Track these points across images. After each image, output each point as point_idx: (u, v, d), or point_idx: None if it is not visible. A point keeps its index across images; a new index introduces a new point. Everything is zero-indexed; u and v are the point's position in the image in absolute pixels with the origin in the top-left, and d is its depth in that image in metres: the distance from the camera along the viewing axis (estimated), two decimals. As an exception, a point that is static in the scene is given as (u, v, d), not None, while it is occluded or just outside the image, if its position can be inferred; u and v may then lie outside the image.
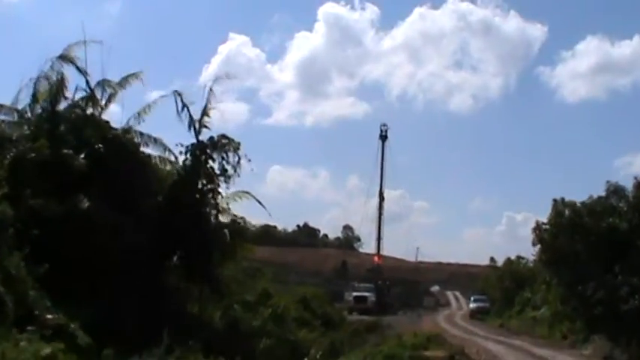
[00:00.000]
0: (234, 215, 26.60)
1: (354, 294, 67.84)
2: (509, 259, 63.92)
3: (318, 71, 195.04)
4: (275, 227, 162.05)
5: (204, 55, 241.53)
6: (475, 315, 62.83)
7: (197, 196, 24.52)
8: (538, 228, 34.86)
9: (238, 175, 25.30)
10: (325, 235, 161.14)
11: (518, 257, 63.10)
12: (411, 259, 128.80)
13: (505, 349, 30.92)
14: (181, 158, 25.04)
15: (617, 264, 31.36)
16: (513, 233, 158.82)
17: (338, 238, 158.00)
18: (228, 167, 24.99)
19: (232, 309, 29.66)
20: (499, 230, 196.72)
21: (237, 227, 26.47)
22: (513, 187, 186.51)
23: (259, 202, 28.73)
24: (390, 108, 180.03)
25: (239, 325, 27.56)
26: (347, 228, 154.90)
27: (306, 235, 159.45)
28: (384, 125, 79.11)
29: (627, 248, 31.47)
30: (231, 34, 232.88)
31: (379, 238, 77.79)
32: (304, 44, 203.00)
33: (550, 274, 37.43)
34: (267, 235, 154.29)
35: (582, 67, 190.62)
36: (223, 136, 24.83)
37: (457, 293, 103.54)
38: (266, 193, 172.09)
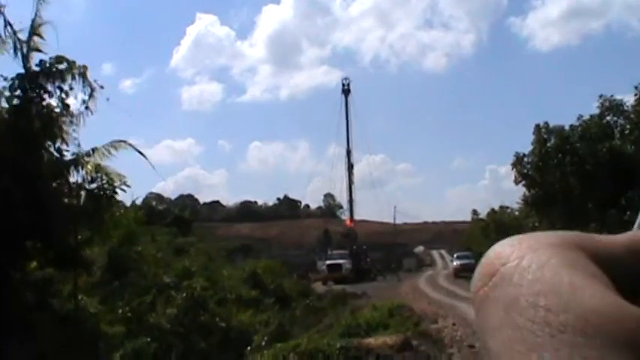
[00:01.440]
0: (103, 174, 18.77)
1: (327, 262, 60.54)
2: (492, 210, 56.62)
3: (289, 43, 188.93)
4: (255, 202, 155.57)
5: (173, 38, 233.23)
6: (459, 273, 55.55)
7: (35, 149, 16.63)
8: (519, 161, 27.33)
9: (91, 113, 17.56)
10: (307, 206, 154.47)
11: (502, 207, 55.96)
12: (397, 222, 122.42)
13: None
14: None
15: (623, 196, 23.89)
16: (497, 187, 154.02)
17: (320, 208, 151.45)
18: (74, 101, 17.14)
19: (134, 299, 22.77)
20: (483, 185, 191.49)
21: (103, 190, 18.69)
22: (494, 141, 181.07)
23: (140, 153, 21.45)
24: (364, 73, 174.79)
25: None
26: (328, 196, 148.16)
27: (288, 207, 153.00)
28: (346, 79, 71.82)
29: (635, 175, 23.93)
30: (198, 15, 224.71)
31: (351, 200, 70.29)
32: (273, 17, 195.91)
33: (539, 217, 29.87)
34: (247, 210, 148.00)
35: (553, 14, 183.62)
36: (60, 59, 16.79)
37: (443, 252, 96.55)
38: (248, 170, 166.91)
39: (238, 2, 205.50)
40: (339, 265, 59.25)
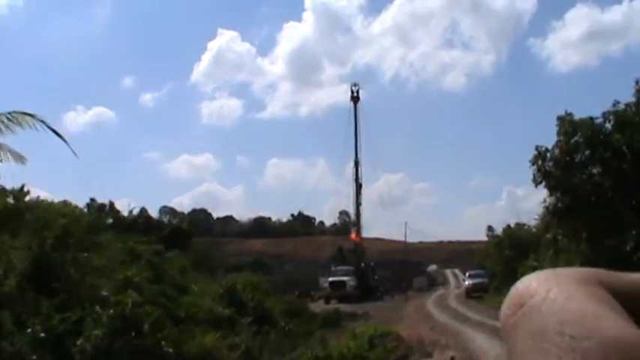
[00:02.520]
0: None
1: (330, 279, 54.97)
2: (508, 226, 50.80)
3: (309, 61, 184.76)
4: (269, 218, 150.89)
5: (195, 53, 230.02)
6: (471, 293, 49.80)
7: None
8: (540, 157, 21.84)
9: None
10: (322, 223, 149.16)
11: (518, 224, 50.27)
12: (412, 240, 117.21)
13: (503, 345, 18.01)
14: None
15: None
16: (515, 207, 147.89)
17: (334, 225, 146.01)
18: None
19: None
20: (500, 206, 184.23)
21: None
22: (512, 162, 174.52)
23: (53, 131, 16.47)
24: (384, 92, 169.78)
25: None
26: (343, 214, 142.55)
27: (302, 223, 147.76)
28: (355, 85, 66.37)
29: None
30: (219, 30, 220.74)
31: (358, 214, 64.72)
32: (293, 35, 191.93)
33: (562, 228, 24.12)
34: (261, 226, 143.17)
35: (573, 36, 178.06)
36: None
37: (456, 271, 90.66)
38: (265, 187, 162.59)
39: (260, 19, 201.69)
40: (343, 282, 53.72)
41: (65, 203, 37.50)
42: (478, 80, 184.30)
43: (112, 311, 17.93)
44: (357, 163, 63.14)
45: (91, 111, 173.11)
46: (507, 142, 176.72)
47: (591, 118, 21.02)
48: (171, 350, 18.70)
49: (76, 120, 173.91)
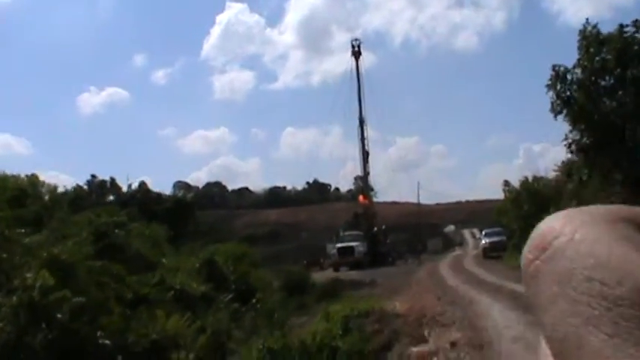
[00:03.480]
0: None
1: (338, 245, 50.67)
2: (525, 179, 45.97)
3: (319, 28, 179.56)
4: (284, 188, 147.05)
5: (204, 27, 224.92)
6: (489, 253, 45.29)
7: None
8: (559, 79, 17.10)
9: None
10: (337, 189, 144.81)
11: (536, 177, 45.49)
12: (429, 202, 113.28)
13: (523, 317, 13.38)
14: None
15: None
16: (532, 165, 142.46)
17: (350, 191, 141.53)
18: None
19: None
20: (517, 164, 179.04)
21: None
22: (528, 119, 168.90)
23: None
24: (395, 56, 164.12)
25: None
26: (358, 178, 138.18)
27: (317, 191, 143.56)
28: (356, 40, 61.42)
29: None
30: (227, 3, 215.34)
31: (365, 175, 60.16)
32: (302, 3, 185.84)
33: (587, 167, 19.32)
34: (276, 196, 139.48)
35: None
36: None
37: (475, 230, 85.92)
38: (281, 157, 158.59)
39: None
40: (351, 248, 49.40)
41: (31, 178, 33.28)
42: (490, 39, 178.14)
43: (15, 299, 13.83)
44: (362, 122, 58.56)
45: (104, 92, 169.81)
46: (522, 99, 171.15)
47: (621, 27, 16.29)
48: (108, 342, 14.69)
49: (90, 101, 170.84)
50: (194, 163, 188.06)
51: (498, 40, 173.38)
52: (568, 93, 16.82)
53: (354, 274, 42.11)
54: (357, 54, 60.32)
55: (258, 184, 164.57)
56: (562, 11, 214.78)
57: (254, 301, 22.34)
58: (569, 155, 19.57)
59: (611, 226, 0.50)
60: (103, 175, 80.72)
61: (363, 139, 58.38)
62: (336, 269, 48.10)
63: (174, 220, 58.51)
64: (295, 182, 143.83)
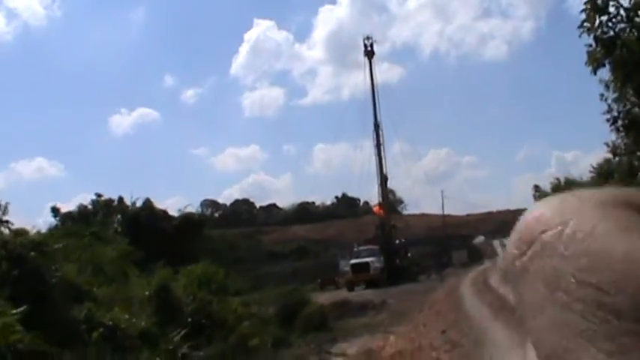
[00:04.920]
0: None
1: (352, 261, 44.69)
2: (557, 180, 39.83)
3: (347, 43, 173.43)
4: (313, 203, 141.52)
5: (232, 46, 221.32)
6: (519, 266, 39.07)
7: None
8: (595, 6, 11.13)
9: None
10: (366, 203, 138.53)
11: (569, 180, 39.37)
12: (460, 213, 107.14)
13: None
14: None
15: None
16: (564, 174, 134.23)
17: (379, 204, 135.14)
18: None
19: None
20: (549, 173, 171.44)
21: None
22: (559, 127, 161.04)
23: None
24: (424, 68, 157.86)
25: None
26: (389, 191, 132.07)
27: (346, 206, 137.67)
28: (368, 38, 55.49)
29: None
30: (255, 20, 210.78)
31: (383, 183, 54.04)
32: (329, 18, 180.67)
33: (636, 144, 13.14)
34: (304, 212, 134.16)
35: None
36: None
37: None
38: (313, 173, 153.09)
39: (295, 5, 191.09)
40: (366, 264, 43.38)
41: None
42: (518, 48, 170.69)
43: None
44: (377, 126, 52.56)
45: (135, 112, 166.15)
46: (552, 108, 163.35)
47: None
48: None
49: (121, 123, 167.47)
50: (226, 181, 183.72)
51: (527, 49, 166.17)
52: (612, 33, 10.94)
53: (367, 294, 36.36)
54: (370, 53, 54.55)
55: (290, 200, 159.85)
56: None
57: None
58: (613, 135, 13.62)
59: (610, 214, 0.41)
60: (140, 194, 77.45)
61: (378, 144, 52.51)
62: (351, 288, 42.26)
63: (180, 238, 53.55)
64: (326, 197, 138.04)
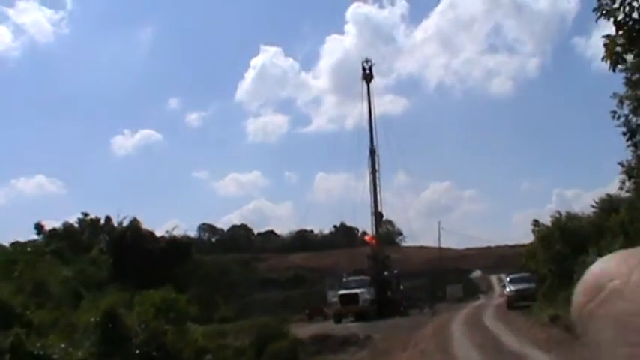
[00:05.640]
0: None
1: (340, 292, 41.95)
2: (558, 214, 37.17)
3: (353, 73, 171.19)
4: (311, 231, 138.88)
5: (238, 71, 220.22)
6: (515, 303, 36.26)
7: None
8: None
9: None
10: (365, 233, 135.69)
11: (570, 214, 36.74)
12: (459, 247, 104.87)
13: None
14: None
15: None
16: (565, 209, 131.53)
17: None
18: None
19: None
20: (550, 209, 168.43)
21: None
22: (561, 164, 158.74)
23: None
24: (429, 100, 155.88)
25: None
26: (387, 223, 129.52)
27: (344, 235, 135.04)
28: (367, 62, 53.25)
29: None
30: (262, 47, 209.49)
31: (376, 212, 51.34)
32: (336, 47, 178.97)
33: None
34: (302, 240, 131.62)
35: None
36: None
37: (502, 276, 76.45)
38: (314, 201, 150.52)
39: (302, 33, 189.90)
40: (355, 295, 40.61)
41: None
42: (524, 83, 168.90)
43: None
44: (372, 152, 49.95)
45: (138, 134, 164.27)
46: (556, 145, 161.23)
47: None
48: None
49: (124, 144, 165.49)
50: (227, 206, 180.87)
51: (532, 85, 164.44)
52: (637, 15, 8.55)
53: (354, 327, 33.64)
54: (368, 77, 52.29)
55: (289, 227, 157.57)
56: (595, 57, 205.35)
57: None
58: (629, 154, 11.22)
59: None
60: (134, 214, 74.86)
61: (374, 170, 49.93)
62: (338, 320, 39.50)
63: (167, 261, 50.97)
64: (324, 226, 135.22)
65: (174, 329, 18.00)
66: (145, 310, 18.11)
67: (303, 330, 30.64)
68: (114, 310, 17.07)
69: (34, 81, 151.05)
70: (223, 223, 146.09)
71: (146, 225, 54.95)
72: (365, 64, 52.65)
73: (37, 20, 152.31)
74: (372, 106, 52.07)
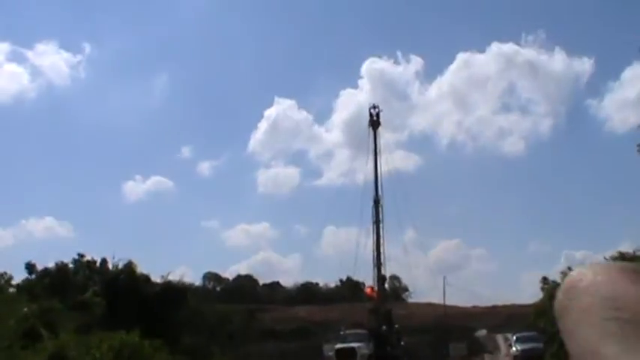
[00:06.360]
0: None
1: (337, 346, 39.28)
2: (569, 269, 34.48)
3: (366, 128, 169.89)
4: (317, 284, 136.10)
5: (251, 122, 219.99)
6: (521, 364, 33.51)
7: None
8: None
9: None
10: (364, 286, 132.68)
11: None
12: (466, 305, 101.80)
13: None
14: None
15: None
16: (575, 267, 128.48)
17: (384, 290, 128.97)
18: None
19: None
20: (558, 270, 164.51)
21: None
22: (571, 226, 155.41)
23: None
24: (441, 157, 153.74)
25: None
26: (393, 278, 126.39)
27: (350, 289, 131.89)
28: (374, 108, 51.57)
29: None
30: (276, 99, 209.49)
31: (379, 263, 48.79)
32: (350, 102, 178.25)
33: None
34: (308, 292, 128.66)
35: (631, 95, 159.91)
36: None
37: (509, 335, 73.23)
38: (322, 255, 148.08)
39: (317, 86, 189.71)
40: (352, 350, 37.93)
41: None
42: (536, 144, 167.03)
43: None
44: (376, 202, 47.77)
45: (150, 180, 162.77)
46: (566, 206, 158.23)
47: None
48: None
49: (135, 190, 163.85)
50: (234, 256, 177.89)
51: (544, 145, 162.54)
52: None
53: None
54: (375, 123, 50.57)
55: (295, 279, 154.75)
56: (609, 118, 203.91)
57: None
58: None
59: (627, 274, 0.61)
60: (146, 262, 72.48)
61: (377, 221, 47.70)
62: (333, 376, 36.90)
63: (161, 306, 48.58)
64: (330, 280, 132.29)
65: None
66: (100, 355, 15.80)
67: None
68: (62, 353, 14.76)
69: (49, 122, 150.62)
70: (230, 272, 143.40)
71: (149, 270, 52.80)
72: (372, 111, 51.07)
73: (55, 63, 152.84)
74: (377, 155, 50.24)
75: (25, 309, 18.78)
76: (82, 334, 18.31)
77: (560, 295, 0.64)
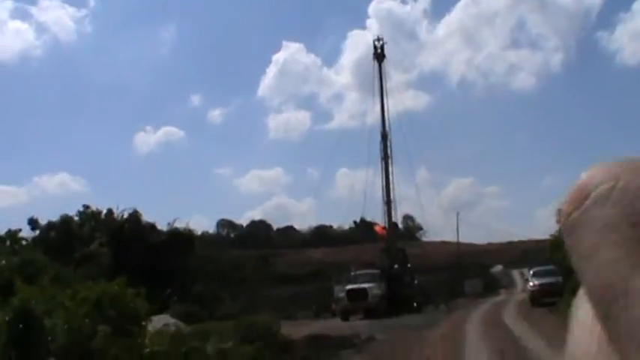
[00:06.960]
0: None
1: (348, 287, 37.74)
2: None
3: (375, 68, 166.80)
4: (330, 227, 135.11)
5: (260, 67, 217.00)
6: (539, 299, 31.78)
7: None
8: None
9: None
10: (384, 228, 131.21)
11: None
12: (481, 242, 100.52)
13: None
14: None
15: None
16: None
17: (398, 230, 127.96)
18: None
19: None
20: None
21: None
22: (585, 158, 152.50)
23: None
24: (451, 96, 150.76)
25: None
26: (407, 218, 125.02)
27: (364, 230, 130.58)
28: (379, 40, 48.88)
29: None
30: (284, 43, 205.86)
31: (389, 201, 47.09)
32: (358, 43, 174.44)
33: None
34: (322, 235, 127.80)
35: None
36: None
37: (525, 271, 71.73)
38: (336, 197, 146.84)
39: (324, 29, 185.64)
40: (364, 290, 36.41)
41: None
42: (547, 79, 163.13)
43: None
44: (384, 137, 45.73)
45: (160, 131, 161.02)
46: (578, 139, 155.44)
47: None
48: None
49: (146, 140, 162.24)
50: (248, 202, 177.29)
51: (555, 80, 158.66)
52: None
53: (360, 325, 29.64)
54: (380, 56, 48.01)
55: (310, 223, 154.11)
56: (620, 50, 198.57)
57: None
58: None
59: None
60: (159, 213, 71.53)
61: (385, 156, 45.71)
62: (346, 317, 35.36)
63: (169, 255, 47.28)
64: (344, 222, 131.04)
65: (114, 330, 14.00)
66: (74, 307, 14.12)
67: (303, 329, 26.62)
68: (26, 308, 13.06)
69: (57, 79, 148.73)
70: (244, 219, 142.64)
71: (164, 220, 51.31)
72: (376, 43, 48.38)
73: (60, 18, 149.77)
74: (383, 89, 47.80)
75: (3, 261, 17.12)
76: (61, 286, 16.61)
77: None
